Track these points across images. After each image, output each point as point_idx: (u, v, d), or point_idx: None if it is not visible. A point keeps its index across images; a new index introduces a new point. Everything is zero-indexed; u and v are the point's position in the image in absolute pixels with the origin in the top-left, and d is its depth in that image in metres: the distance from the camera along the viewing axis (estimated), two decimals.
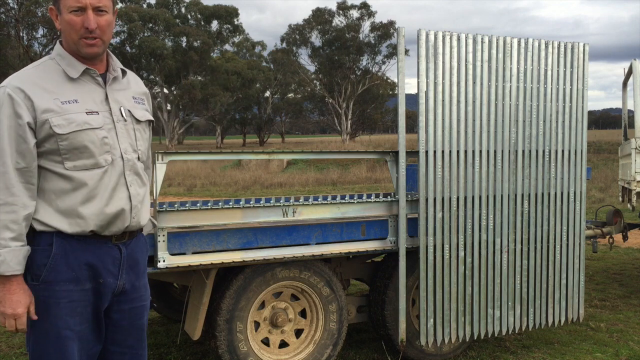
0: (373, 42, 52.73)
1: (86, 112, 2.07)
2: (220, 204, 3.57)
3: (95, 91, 2.13)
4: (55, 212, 2.04)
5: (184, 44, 46.05)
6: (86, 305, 2.11)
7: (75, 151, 2.04)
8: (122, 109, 2.17)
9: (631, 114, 6.30)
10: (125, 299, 2.22)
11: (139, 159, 2.22)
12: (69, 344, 2.08)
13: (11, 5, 38.24)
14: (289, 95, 61.68)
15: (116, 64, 2.21)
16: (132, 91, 2.26)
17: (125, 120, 2.17)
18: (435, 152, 3.79)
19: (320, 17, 52.80)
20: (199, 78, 47.52)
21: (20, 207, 1.99)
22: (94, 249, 2.11)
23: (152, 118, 2.32)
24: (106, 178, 2.09)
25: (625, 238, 5.90)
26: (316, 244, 3.64)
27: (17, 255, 1.98)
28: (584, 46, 4.23)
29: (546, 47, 4.11)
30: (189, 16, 48.85)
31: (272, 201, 3.61)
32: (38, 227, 2.05)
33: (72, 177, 2.04)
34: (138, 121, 2.23)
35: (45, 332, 2.06)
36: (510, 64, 4.00)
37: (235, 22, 50.09)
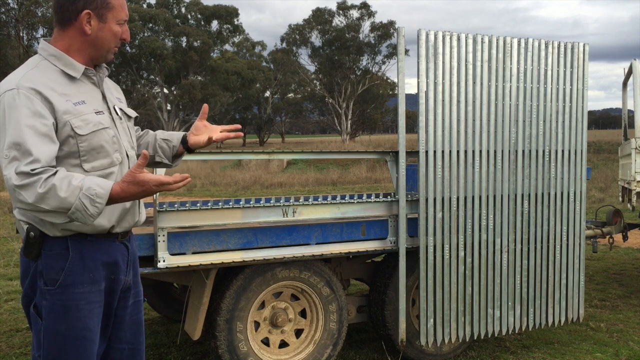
0: (373, 42, 52.72)
1: (95, 112, 2.08)
2: (220, 204, 3.57)
3: (94, 91, 2.14)
4: None
5: (184, 44, 46.03)
6: (100, 306, 2.12)
7: (93, 152, 2.05)
8: (115, 107, 2.21)
9: (631, 114, 6.30)
10: (128, 295, 2.25)
11: (136, 155, 2.28)
12: (89, 345, 2.09)
13: (11, 5, 38.24)
14: (289, 95, 61.67)
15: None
16: (114, 90, 2.30)
17: (121, 119, 2.21)
18: (435, 152, 3.79)
19: (320, 17, 52.78)
20: (199, 78, 47.50)
21: (64, 169, 1.94)
22: (106, 248, 2.12)
23: (137, 114, 2.38)
24: (119, 176, 2.12)
25: (625, 238, 5.89)
26: (316, 244, 3.64)
27: (96, 179, 1.93)
28: (584, 46, 4.23)
29: (546, 47, 4.10)
30: (189, 16, 48.82)
31: (272, 201, 3.61)
32: (53, 232, 2.03)
33: None
34: (129, 118, 2.29)
35: (64, 335, 2.05)
36: (510, 64, 4.00)
37: (235, 22, 50.07)
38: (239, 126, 2.46)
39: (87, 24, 2.07)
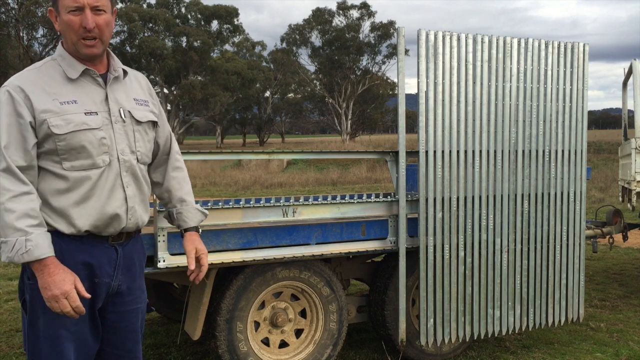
0: (373, 42, 52.74)
1: (85, 113, 2.07)
2: (220, 204, 3.57)
3: (95, 91, 2.13)
4: (51, 212, 2.05)
5: (184, 44, 46.04)
6: (83, 306, 2.10)
7: (73, 151, 2.04)
8: (121, 109, 2.16)
9: (631, 114, 6.30)
10: (121, 301, 2.21)
11: (137, 160, 2.20)
12: (65, 343, 2.08)
13: (11, 5, 38.21)
14: (289, 95, 61.69)
15: (117, 64, 2.21)
16: (134, 92, 2.24)
17: (124, 122, 2.16)
18: (435, 152, 3.79)
19: (320, 17, 52.80)
20: (199, 78, 47.51)
21: (36, 196, 2.00)
22: (89, 249, 2.11)
23: (154, 119, 2.29)
24: (103, 179, 2.09)
25: (625, 238, 5.89)
26: (316, 244, 3.64)
27: (47, 239, 1.98)
28: (584, 46, 4.23)
29: (546, 47, 4.10)
30: (189, 16, 48.84)
31: (272, 201, 3.61)
32: None
33: (69, 177, 2.05)
34: (138, 122, 2.21)
35: (42, 331, 2.06)
36: (510, 64, 4.00)
37: (235, 22, 50.11)
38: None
39: (55, 20, 2.13)
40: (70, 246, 2.07)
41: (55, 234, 2.05)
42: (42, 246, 1.96)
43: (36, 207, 1.99)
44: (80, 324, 2.10)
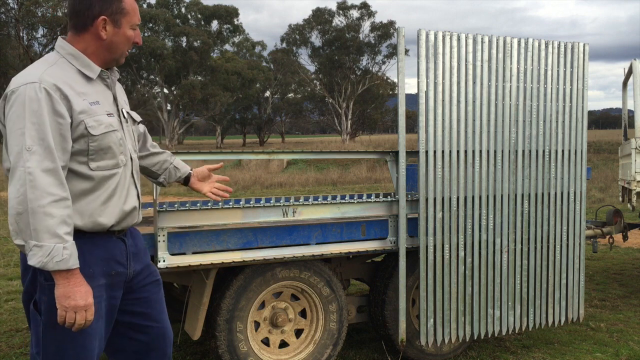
0: (373, 42, 52.74)
1: (106, 114, 2.13)
2: (220, 204, 3.57)
3: (107, 93, 2.20)
4: (74, 211, 2.06)
5: (184, 44, 46.05)
6: (100, 302, 2.13)
7: (101, 152, 2.09)
8: (123, 110, 2.26)
9: (631, 114, 6.30)
10: (141, 278, 2.30)
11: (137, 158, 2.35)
12: (88, 340, 2.10)
13: (11, 5, 38.22)
14: (289, 95, 61.68)
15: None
16: (123, 94, 2.35)
17: (127, 122, 2.26)
18: (435, 152, 3.79)
19: (320, 17, 52.79)
20: (199, 78, 47.49)
21: (70, 203, 2.02)
22: (104, 244, 2.16)
23: (140, 119, 2.47)
24: (122, 177, 2.18)
25: (625, 238, 5.89)
26: (316, 244, 3.64)
27: (76, 249, 2.01)
28: (584, 46, 4.23)
29: (546, 47, 4.10)
30: (189, 16, 48.83)
31: (272, 201, 3.61)
32: None
33: (95, 177, 2.09)
34: (134, 122, 2.35)
35: (63, 330, 2.06)
36: (510, 64, 4.00)
37: (235, 22, 50.11)
38: (227, 178, 2.78)
39: (103, 29, 2.12)
40: (88, 244, 2.10)
41: (74, 233, 2.06)
42: (74, 256, 1.99)
43: (72, 214, 2.01)
44: (99, 320, 2.14)
